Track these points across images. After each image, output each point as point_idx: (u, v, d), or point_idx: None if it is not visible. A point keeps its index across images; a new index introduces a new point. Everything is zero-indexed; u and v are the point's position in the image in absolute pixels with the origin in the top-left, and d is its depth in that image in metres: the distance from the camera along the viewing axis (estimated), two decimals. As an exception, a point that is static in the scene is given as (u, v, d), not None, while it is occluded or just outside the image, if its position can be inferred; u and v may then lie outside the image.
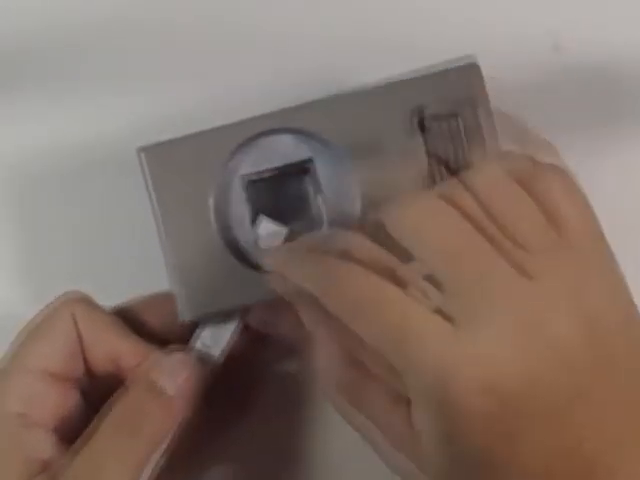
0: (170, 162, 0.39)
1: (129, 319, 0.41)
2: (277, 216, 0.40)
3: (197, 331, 0.40)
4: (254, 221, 0.40)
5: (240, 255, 0.39)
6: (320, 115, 0.39)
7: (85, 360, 0.40)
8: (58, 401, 0.39)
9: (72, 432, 0.39)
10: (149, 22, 0.45)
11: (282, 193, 0.40)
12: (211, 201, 0.39)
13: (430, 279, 0.34)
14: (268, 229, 0.39)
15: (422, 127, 0.39)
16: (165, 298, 0.40)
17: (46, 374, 0.39)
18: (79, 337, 0.40)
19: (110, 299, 0.42)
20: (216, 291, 0.39)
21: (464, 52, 0.40)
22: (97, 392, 0.40)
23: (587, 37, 0.43)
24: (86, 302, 0.40)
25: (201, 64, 0.45)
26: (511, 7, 0.45)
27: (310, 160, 0.39)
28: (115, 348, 0.40)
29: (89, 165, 0.45)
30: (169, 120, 0.43)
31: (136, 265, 0.44)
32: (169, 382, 0.38)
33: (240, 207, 0.40)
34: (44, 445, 0.38)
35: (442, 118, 0.39)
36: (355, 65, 0.44)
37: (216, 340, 0.40)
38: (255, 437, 0.45)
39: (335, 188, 0.40)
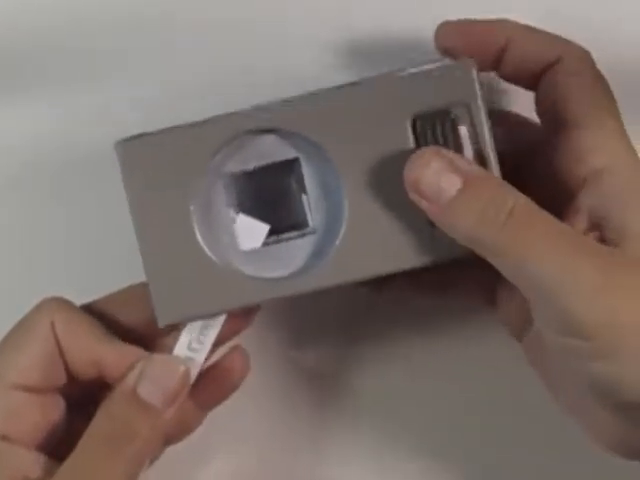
0: (148, 158, 0.38)
1: (107, 316, 0.41)
2: (259, 215, 0.39)
3: (182, 336, 0.39)
4: (235, 220, 0.39)
5: (222, 257, 0.39)
6: (307, 114, 0.38)
7: (67, 368, 0.40)
8: (39, 415, 0.39)
9: (57, 444, 0.39)
10: (127, 17, 0.45)
11: (265, 191, 0.39)
12: (191, 200, 0.38)
13: None
14: (246, 224, 0.39)
15: (414, 126, 0.38)
16: (143, 290, 0.39)
17: (24, 388, 0.39)
18: (59, 345, 0.39)
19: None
20: (196, 295, 0.38)
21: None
22: (82, 399, 0.40)
23: (585, 39, 0.43)
24: (65, 308, 0.40)
25: (185, 55, 0.45)
26: (509, 8, 0.45)
27: (296, 159, 0.39)
28: (97, 354, 0.39)
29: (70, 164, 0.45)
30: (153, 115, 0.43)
31: (123, 264, 0.43)
32: (156, 397, 0.38)
33: (221, 206, 0.39)
34: (28, 462, 0.38)
35: (434, 117, 0.38)
36: (349, 64, 0.44)
37: (202, 343, 0.39)
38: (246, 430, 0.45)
39: (321, 188, 0.39)
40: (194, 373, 0.39)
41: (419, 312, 0.46)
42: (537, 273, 0.35)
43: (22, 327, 0.40)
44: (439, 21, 0.41)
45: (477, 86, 0.38)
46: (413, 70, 0.38)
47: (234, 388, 0.41)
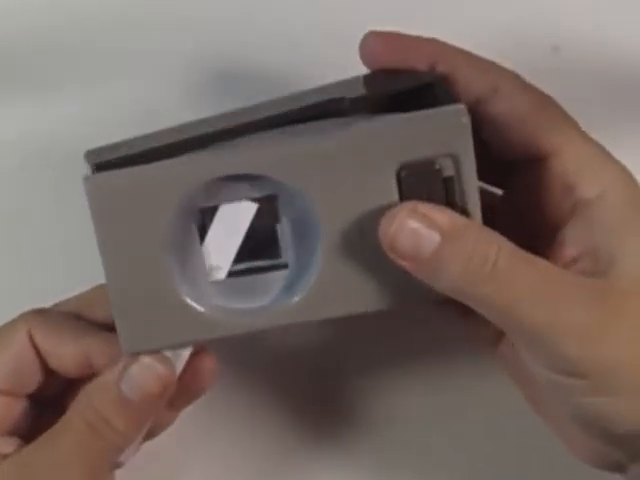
0: (118, 193, 0.37)
1: (79, 315, 0.41)
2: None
3: None
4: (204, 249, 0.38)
5: (193, 290, 0.38)
6: (289, 159, 0.37)
7: (51, 371, 0.40)
8: (6, 411, 0.40)
9: (29, 434, 0.40)
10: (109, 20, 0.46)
11: None
12: (161, 234, 0.37)
13: None
14: (215, 251, 0.38)
15: (398, 175, 0.37)
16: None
17: None
18: (39, 353, 0.40)
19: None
20: (162, 327, 0.38)
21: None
22: (58, 392, 0.41)
23: (586, 38, 0.43)
24: (43, 316, 0.40)
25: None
26: (510, 8, 0.45)
27: (273, 196, 0.38)
28: (84, 349, 0.40)
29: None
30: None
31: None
32: (138, 394, 0.38)
33: (193, 238, 0.38)
34: None
35: (420, 166, 0.37)
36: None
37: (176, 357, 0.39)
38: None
39: (296, 226, 0.38)
40: (179, 368, 0.39)
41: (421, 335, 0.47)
42: (525, 321, 0.35)
43: None
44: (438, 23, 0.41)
45: (469, 134, 0.37)
46: (403, 116, 0.37)
47: (203, 390, 0.41)
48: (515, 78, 0.39)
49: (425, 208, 0.36)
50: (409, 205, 0.36)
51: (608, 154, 0.38)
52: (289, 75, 0.46)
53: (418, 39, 0.39)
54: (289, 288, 0.38)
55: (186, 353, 0.39)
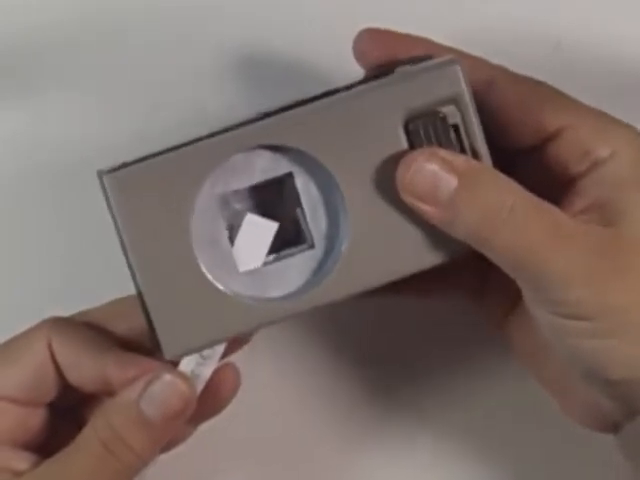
0: (139, 188, 0.36)
1: (99, 327, 0.40)
2: None
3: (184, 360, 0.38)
4: (232, 240, 0.38)
5: (224, 282, 0.37)
6: (299, 127, 0.37)
7: (67, 383, 0.40)
8: (22, 421, 0.39)
9: (44, 445, 0.39)
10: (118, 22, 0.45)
11: (259, 209, 0.38)
12: (188, 226, 0.37)
13: None
14: (243, 245, 0.38)
15: (406, 128, 0.38)
16: (133, 302, 0.38)
17: (8, 400, 0.39)
18: (56, 364, 0.39)
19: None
20: (202, 324, 0.37)
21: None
22: (75, 404, 0.41)
23: (588, 36, 0.43)
24: (63, 327, 0.40)
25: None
26: (512, 6, 0.45)
27: (289, 174, 0.38)
28: (101, 368, 0.39)
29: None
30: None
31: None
32: (158, 415, 0.37)
33: (218, 229, 0.38)
34: (10, 456, 0.38)
35: (425, 117, 0.37)
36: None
37: (209, 358, 0.38)
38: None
39: (318, 201, 0.38)
40: (199, 389, 0.38)
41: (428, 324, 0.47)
42: (538, 267, 0.36)
43: (17, 344, 0.40)
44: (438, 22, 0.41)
45: (463, 82, 0.37)
46: (399, 73, 0.38)
47: (224, 404, 0.41)
48: (506, 70, 0.39)
49: (443, 152, 0.37)
50: (428, 149, 0.37)
51: (616, 118, 0.39)
52: (293, 76, 0.46)
53: (410, 37, 0.40)
54: (319, 267, 0.38)
55: (208, 371, 0.38)
